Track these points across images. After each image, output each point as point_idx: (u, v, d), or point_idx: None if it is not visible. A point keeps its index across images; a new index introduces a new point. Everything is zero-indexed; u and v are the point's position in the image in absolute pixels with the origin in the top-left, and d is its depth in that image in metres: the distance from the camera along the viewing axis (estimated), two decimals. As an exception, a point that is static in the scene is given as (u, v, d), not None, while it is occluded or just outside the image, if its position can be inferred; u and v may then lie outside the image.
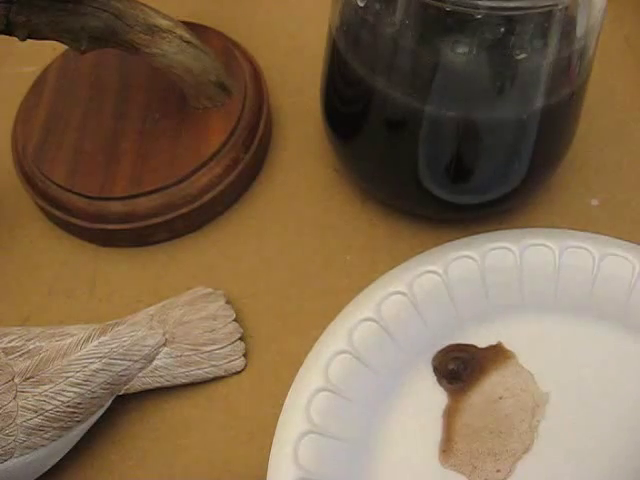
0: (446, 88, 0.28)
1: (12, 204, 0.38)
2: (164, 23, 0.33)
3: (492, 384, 0.29)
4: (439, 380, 0.30)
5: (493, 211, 0.34)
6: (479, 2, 0.25)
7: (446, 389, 0.29)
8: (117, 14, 0.31)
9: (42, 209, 0.36)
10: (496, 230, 0.33)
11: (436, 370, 0.30)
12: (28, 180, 0.36)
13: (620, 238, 0.32)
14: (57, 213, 0.35)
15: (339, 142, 0.35)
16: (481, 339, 0.30)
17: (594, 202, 0.36)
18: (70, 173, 0.35)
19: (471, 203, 0.33)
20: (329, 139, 0.36)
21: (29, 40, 0.30)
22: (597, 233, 0.32)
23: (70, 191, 0.35)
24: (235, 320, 0.32)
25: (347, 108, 0.33)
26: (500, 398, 0.29)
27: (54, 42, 0.31)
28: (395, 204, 0.35)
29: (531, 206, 0.35)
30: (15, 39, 0.30)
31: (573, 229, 0.33)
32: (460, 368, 0.30)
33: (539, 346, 0.30)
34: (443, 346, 0.30)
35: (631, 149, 0.38)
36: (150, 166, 0.35)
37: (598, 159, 0.37)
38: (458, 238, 0.33)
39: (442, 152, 0.30)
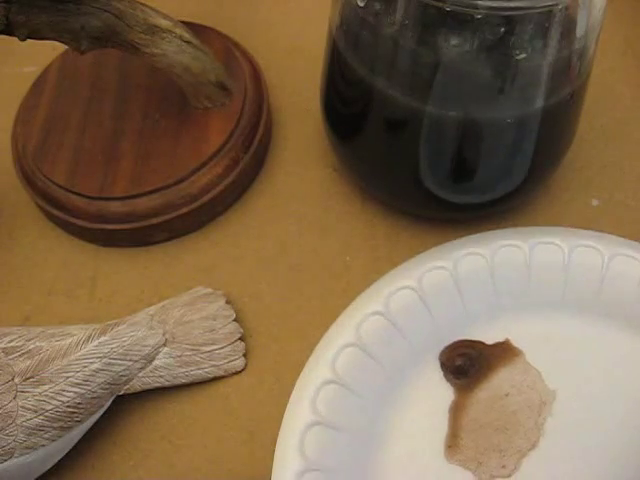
0: (446, 88, 0.28)
1: (12, 204, 0.38)
2: (164, 23, 0.33)
3: (499, 381, 0.29)
4: (446, 376, 0.30)
5: (493, 211, 0.34)
6: (479, 2, 0.25)
7: (453, 385, 0.29)
8: (117, 14, 0.31)
9: (42, 209, 0.36)
10: (503, 228, 0.33)
11: (443, 366, 0.30)
12: (28, 180, 0.36)
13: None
14: (57, 213, 0.35)
15: (339, 142, 0.35)
16: (489, 336, 0.30)
17: (594, 202, 0.36)
18: (70, 173, 0.35)
19: (471, 203, 0.33)
20: (329, 139, 0.36)
21: (29, 40, 0.30)
22: (606, 232, 0.32)
23: (70, 191, 0.35)
24: (235, 320, 0.32)
25: (347, 108, 0.33)
26: (507, 395, 0.29)
27: (54, 42, 0.31)
28: (395, 204, 0.35)
29: (531, 206, 0.35)
30: (15, 39, 0.30)
31: (578, 228, 0.33)
32: (467, 364, 0.30)
33: (547, 344, 0.30)
34: (451, 342, 0.30)
35: (631, 149, 0.38)
36: (150, 166, 0.35)
37: (598, 159, 0.37)
38: (458, 238, 0.33)
39: (442, 152, 0.30)
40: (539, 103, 0.29)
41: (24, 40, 0.30)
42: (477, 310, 0.31)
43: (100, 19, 0.31)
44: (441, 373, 0.30)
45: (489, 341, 0.30)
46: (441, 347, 0.30)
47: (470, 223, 0.35)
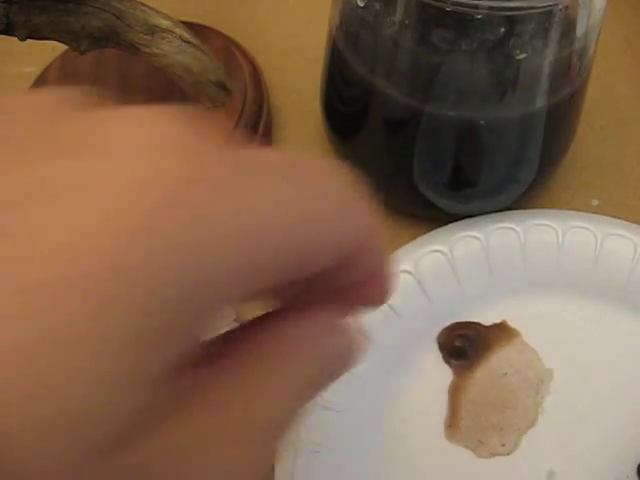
0: (446, 88, 0.28)
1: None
2: (164, 23, 0.33)
3: (497, 361, 0.30)
4: (444, 357, 0.30)
5: (493, 210, 0.34)
6: (479, 2, 0.25)
7: (451, 366, 0.30)
8: (117, 14, 0.31)
9: (42, 209, 0.36)
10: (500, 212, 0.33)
11: (441, 347, 0.30)
12: (28, 180, 0.36)
13: (622, 218, 0.33)
14: (57, 213, 0.35)
15: (339, 142, 0.35)
16: (486, 317, 0.31)
17: (594, 202, 0.36)
18: (70, 173, 0.35)
19: (471, 202, 0.33)
20: (329, 139, 0.36)
21: (29, 40, 0.30)
22: (600, 214, 0.33)
23: (70, 191, 0.35)
24: (235, 320, 0.32)
25: (347, 108, 0.33)
26: (505, 374, 0.29)
27: (54, 42, 0.31)
28: (395, 204, 0.35)
29: (531, 205, 0.35)
30: (15, 39, 0.30)
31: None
32: (466, 345, 0.30)
33: (543, 324, 0.31)
34: (448, 324, 0.31)
35: (631, 149, 0.38)
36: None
37: (598, 159, 0.37)
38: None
39: (442, 152, 0.30)
40: (539, 103, 0.29)
41: (24, 40, 0.30)
42: (474, 292, 0.31)
43: (100, 19, 0.31)
44: (439, 355, 0.30)
45: (486, 322, 0.31)
46: (439, 329, 0.31)
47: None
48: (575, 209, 0.35)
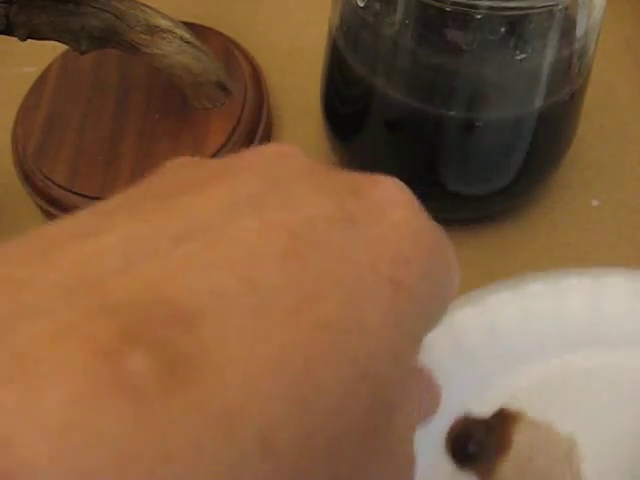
0: (446, 88, 0.28)
1: (12, 204, 0.38)
2: (164, 23, 0.33)
3: (516, 449, 0.27)
4: (460, 466, 0.27)
5: (493, 211, 0.35)
6: (479, 2, 0.25)
7: (471, 471, 0.27)
8: (117, 14, 0.31)
9: (42, 209, 0.36)
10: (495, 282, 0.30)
11: (455, 458, 0.27)
12: (28, 180, 0.36)
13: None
14: (57, 213, 0.35)
15: (339, 142, 0.35)
16: (484, 407, 0.28)
17: (594, 202, 0.36)
18: (70, 173, 0.35)
19: (472, 202, 0.33)
20: (329, 139, 0.36)
21: (29, 40, 0.30)
22: (592, 264, 0.31)
23: (70, 191, 0.35)
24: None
25: (347, 108, 0.33)
26: (530, 459, 0.27)
27: (54, 42, 0.31)
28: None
29: (531, 206, 0.35)
30: (15, 39, 0.30)
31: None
32: (477, 448, 0.27)
33: (544, 393, 0.28)
34: (449, 426, 0.27)
35: (631, 149, 0.38)
36: (150, 166, 0.35)
37: (598, 159, 0.37)
38: (458, 239, 0.32)
39: (442, 152, 0.30)
40: (539, 103, 0.29)
41: (24, 40, 0.30)
42: (462, 389, 0.28)
43: (100, 19, 0.31)
44: (454, 465, 0.27)
45: (486, 413, 0.28)
46: (442, 430, 0.27)
47: (470, 223, 0.35)
48: (575, 209, 0.35)
